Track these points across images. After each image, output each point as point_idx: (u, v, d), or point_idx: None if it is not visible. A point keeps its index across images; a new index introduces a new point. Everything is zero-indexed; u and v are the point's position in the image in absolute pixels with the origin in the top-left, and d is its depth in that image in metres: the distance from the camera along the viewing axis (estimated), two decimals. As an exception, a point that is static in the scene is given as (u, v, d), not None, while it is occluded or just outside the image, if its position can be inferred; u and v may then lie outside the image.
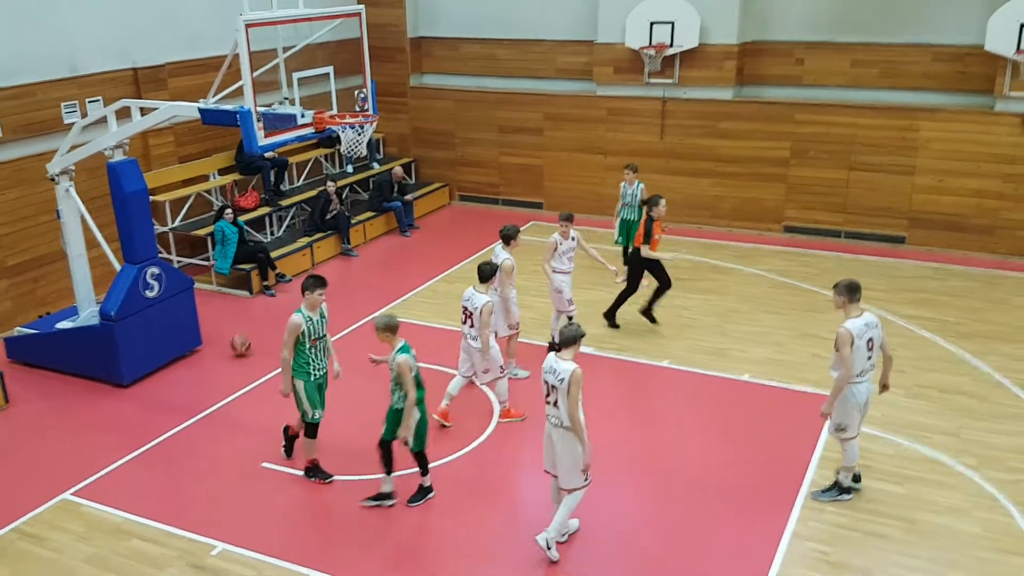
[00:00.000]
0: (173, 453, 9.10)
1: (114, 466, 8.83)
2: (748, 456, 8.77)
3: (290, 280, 13.74)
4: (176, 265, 13.53)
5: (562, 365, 7.08)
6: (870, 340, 7.58)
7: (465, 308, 9.22)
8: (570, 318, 10.74)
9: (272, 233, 15.08)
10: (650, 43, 15.19)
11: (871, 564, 7.20)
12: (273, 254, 13.72)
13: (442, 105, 17.82)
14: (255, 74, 9.25)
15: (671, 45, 15.10)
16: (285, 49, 10.13)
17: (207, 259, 13.78)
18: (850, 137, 14.69)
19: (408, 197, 16.53)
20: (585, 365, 10.99)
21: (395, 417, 7.81)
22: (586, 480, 7.26)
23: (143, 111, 10.25)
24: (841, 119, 14.71)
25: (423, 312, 12.51)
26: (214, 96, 9.81)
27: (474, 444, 9.13)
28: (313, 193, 15.48)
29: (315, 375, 8.25)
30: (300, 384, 8.20)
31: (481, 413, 9.72)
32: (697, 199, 15.76)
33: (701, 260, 14.36)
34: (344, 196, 16.42)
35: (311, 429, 8.38)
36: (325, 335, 8.28)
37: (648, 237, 11.21)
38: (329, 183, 15.13)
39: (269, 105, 9.93)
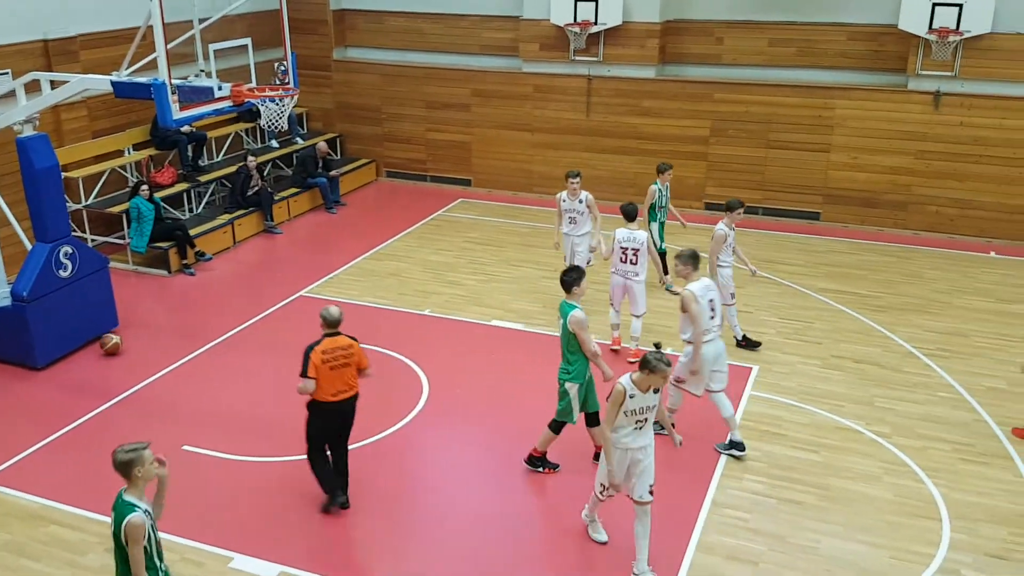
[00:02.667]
0: (90, 437, 8.87)
1: (29, 451, 8.57)
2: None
3: (210, 259, 13.45)
4: (90, 244, 13.11)
5: (622, 378, 6.63)
6: (711, 301, 8.25)
7: (625, 249, 9.95)
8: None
9: (191, 210, 14.72)
10: (575, 20, 15.22)
11: (787, 530, 7.45)
12: (192, 231, 13.40)
13: (367, 79, 17.58)
14: (169, 46, 9.02)
15: (595, 22, 15.16)
16: (201, 20, 9.89)
17: (123, 237, 13.38)
18: (768, 116, 14.99)
19: (333, 173, 16.30)
20: (516, 341, 11.12)
21: None
22: (598, 491, 7.05)
23: (53, 84, 9.95)
24: (759, 98, 14.99)
25: (352, 291, 12.40)
26: (127, 69, 9.55)
27: (404, 421, 9.11)
28: (233, 169, 15.13)
29: (587, 373, 7.82)
30: (575, 388, 7.78)
31: (411, 391, 9.70)
32: (621, 177, 15.90)
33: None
34: (266, 172, 16.11)
35: (559, 427, 8.03)
36: None
37: None
38: (250, 158, 14.81)
39: (185, 78, 9.69)
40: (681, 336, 8.36)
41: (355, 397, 7.48)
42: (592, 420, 8.09)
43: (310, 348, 7.21)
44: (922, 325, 11.29)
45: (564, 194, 11.32)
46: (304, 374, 7.17)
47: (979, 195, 14.10)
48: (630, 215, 10.15)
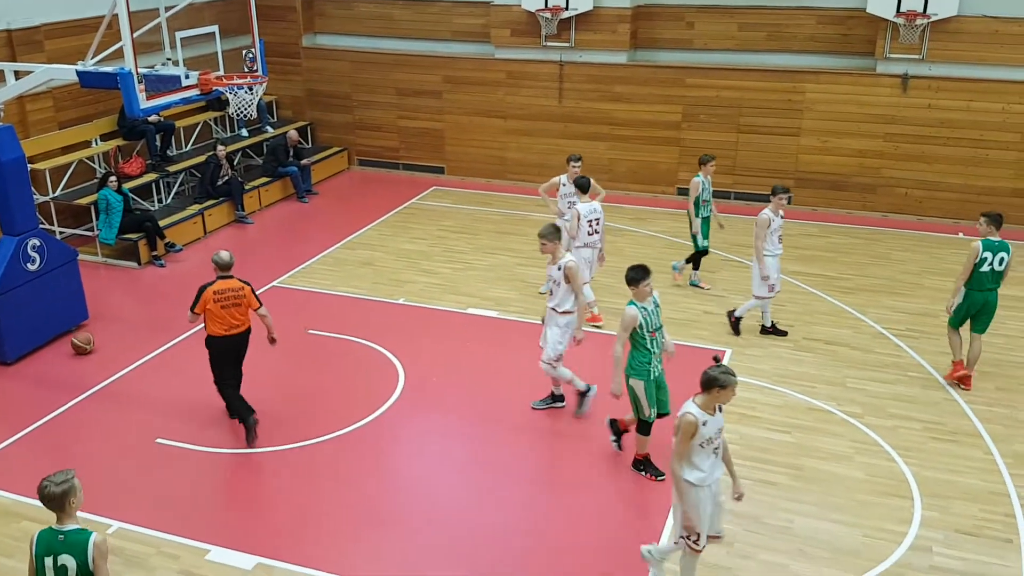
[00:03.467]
0: (63, 431, 8.79)
1: (0, 447, 8.47)
2: (646, 412, 9.01)
3: (180, 249, 13.31)
4: (58, 236, 12.93)
5: (686, 405, 6.02)
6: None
7: (591, 220, 10.41)
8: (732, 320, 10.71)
9: (160, 201, 14.56)
10: (546, 5, 15.18)
11: (761, 510, 7.53)
12: (162, 222, 13.26)
13: (337, 67, 17.44)
14: (136, 34, 8.93)
15: (566, 8, 15.12)
16: (167, 8, 9.78)
17: (91, 229, 13.22)
18: (738, 100, 15.05)
19: (304, 162, 16.18)
20: (490, 328, 11.12)
21: None
22: (691, 541, 6.18)
23: (18, 75, 9.82)
24: (730, 83, 15.04)
25: (326, 280, 12.34)
26: (93, 58, 9.42)
27: (380, 410, 9.09)
28: (202, 158, 14.97)
29: (654, 372, 7.65)
30: (640, 384, 7.62)
31: (387, 380, 9.68)
32: (594, 162, 15.86)
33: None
34: (236, 161, 15.96)
35: (646, 427, 7.86)
36: (661, 325, 7.63)
37: None
38: (219, 147, 14.65)
39: (152, 66, 9.59)
40: (562, 306, 8.52)
41: (246, 332, 8.55)
42: (643, 427, 7.90)
43: (204, 287, 8.32)
44: (892, 306, 11.42)
45: (564, 177, 11.37)
46: (192, 309, 8.35)
47: (947, 177, 14.26)
48: (584, 188, 10.55)
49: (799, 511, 7.52)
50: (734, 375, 5.84)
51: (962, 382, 9.43)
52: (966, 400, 9.19)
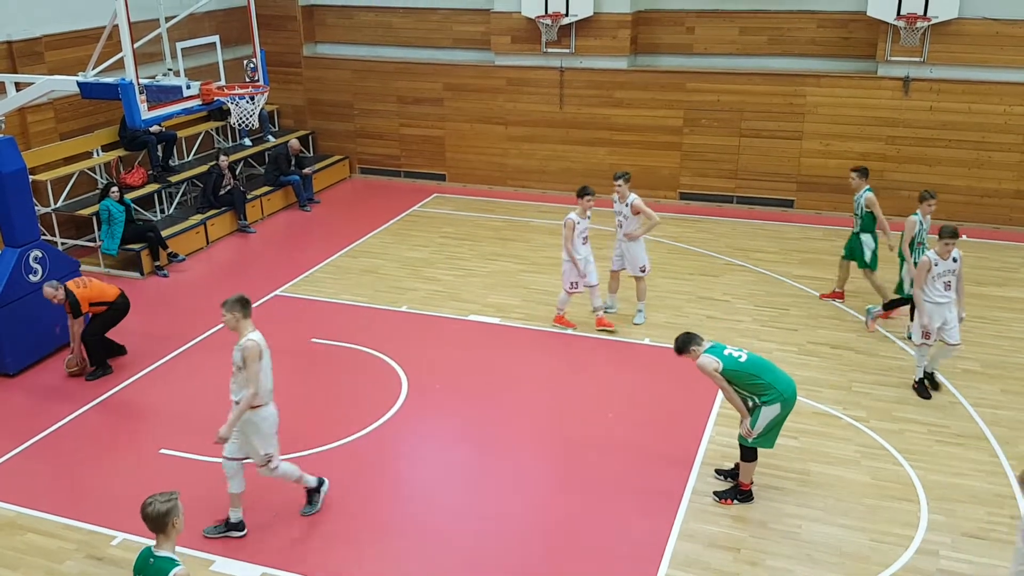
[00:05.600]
0: (66, 443, 8.77)
1: (3, 459, 8.46)
2: (649, 417, 8.99)
3: (183, 260, 13.32)
4: (61, 247, 12.95)
5: None
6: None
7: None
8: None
9: (163, 211, 14.57)
10: (546, 12, 15.19)
11: (768, 516, 7.49)
12: (164, 233, 13.26)
13: (338, 75, 17.47)
14: (136, 45, 8.95)
15: (566, 14, 15.14)
16: (168, 18, 9.80)
17: (93, 240, 13.22)
18: (740, 104, 15.05)
19: (306, 170, 16.19)
20: (492, 335, 11.10)
21: None
22: None
23: (19, 86, 9.83)
24: (731, 87, 15.03)
25: (329, 288, 12.33)
26: (94, 69, 9.44)
27: (384, 419, 9.07)
28: (204, 168, 14.98)
29: (785, 397, 7.36)
30: (772, 408, 7.27)
31: (390, 388, 9.66)
32: (596, 168, 15.89)
33: (600, 228, 14.55)
34: (238, 171, 15.97)
35: (754, 453, 7.55)
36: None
37: None
38: (221, 157, 14.66)
39: (153, 77, 9.60)
40: (232, 396, 6.92)
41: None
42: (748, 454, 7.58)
43: (71, 295, 9.47)
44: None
45: (614, 196, 10.84)
46: (79, 312, 9.54)
47: (949, 179, 14.23)
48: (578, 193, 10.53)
49: (806, 516, 7.49)
50: None
51: (836, 297, 11.41)
52: (971, 403, 9.15)
